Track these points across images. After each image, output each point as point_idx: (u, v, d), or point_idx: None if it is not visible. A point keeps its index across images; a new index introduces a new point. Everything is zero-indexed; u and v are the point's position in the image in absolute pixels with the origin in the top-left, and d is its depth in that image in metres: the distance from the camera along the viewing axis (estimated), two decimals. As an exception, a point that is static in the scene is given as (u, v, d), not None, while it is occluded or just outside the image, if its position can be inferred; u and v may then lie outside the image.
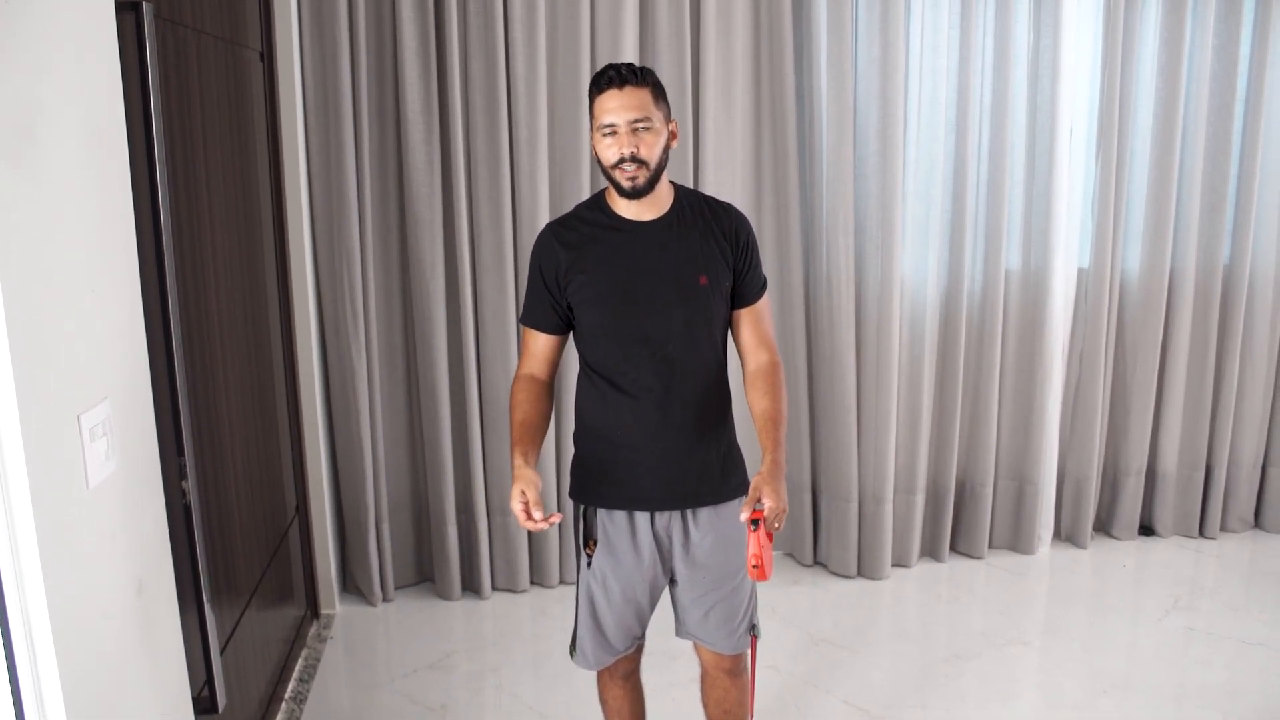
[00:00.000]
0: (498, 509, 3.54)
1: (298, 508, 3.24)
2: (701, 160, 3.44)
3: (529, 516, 1.86)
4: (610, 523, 2.12)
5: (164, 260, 1.83)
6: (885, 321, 3.57)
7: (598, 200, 2.09)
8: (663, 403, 2.04)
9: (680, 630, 2.24)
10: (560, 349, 2.14)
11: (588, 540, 2.15)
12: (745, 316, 2.11)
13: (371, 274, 3.34)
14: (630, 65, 1.97)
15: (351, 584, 3.60)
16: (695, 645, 2.26)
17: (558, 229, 2.09)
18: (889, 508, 3.69)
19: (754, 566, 1.92)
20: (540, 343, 2.11)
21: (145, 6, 1.76)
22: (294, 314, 3.21)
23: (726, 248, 2.05)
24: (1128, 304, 3.87)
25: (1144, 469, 3.98)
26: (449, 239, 3.37)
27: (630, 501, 2.10)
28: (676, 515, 2.11)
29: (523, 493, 1.87)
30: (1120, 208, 3.75)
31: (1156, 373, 3.89)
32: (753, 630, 2.20)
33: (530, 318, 2.11)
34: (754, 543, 1.92)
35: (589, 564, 2.15)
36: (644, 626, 2.24)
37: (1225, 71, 3.69)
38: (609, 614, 2.16)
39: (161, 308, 1.84)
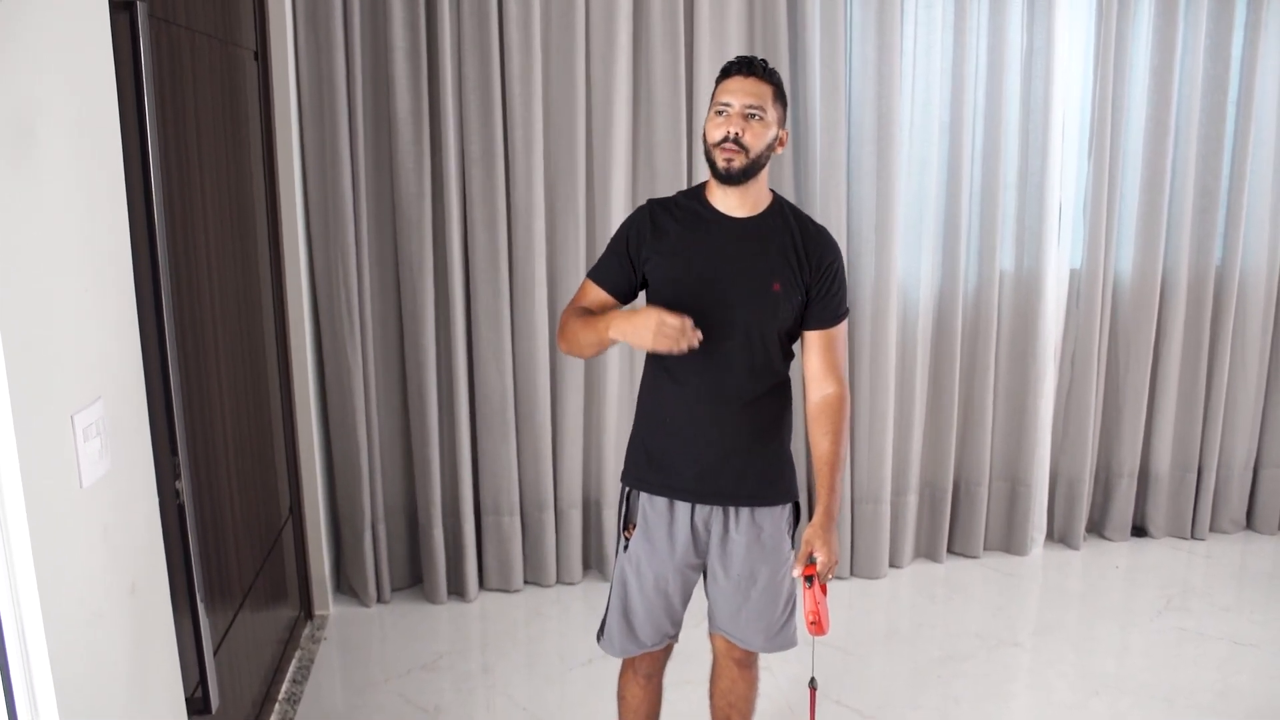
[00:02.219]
0: (490, 509, 3.54)
1: (292, 508, 3.23)
2: (695, 163, 3.44)
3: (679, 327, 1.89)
4: (651, 508, 2.15)
5: (158, 260, 1.83)
6: (881, 323, 3.58)
7: (698, 189, 2.13)
8: (710, 397, 2.07)
9: (711, 624, 2.25)
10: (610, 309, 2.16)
11: (628, 524, 2.18)
12: (815, 341, 2.10)
13: (367, 274, 3.33)
14: (764, 60, 2.03)
15: (345, 585, 3.59)
16: (712, 634, 2.27)
17: (655, 206, 2.14)
18: (886, 508, 3.69)
19: (811, 623, 1.93)
20: (597, 296, 2.14)
21: (139, 6, 1.76)
22: (288, 313, 3.21)
23: (806, 265, 2.05)
24: (1120, 305, 3.88)
25: (1136, 470, 4.00)
26: (441, 239, 3.37)
27: (668, 489, 2.13)
28: (718, 511, 2.13)
29: (662, 313, 1.90)
30: (1113, 209, 3.76)
31: (1149, 374, 3.91)
32: (811, 683, 2.17)
33: (599, 274, 2.15)
34: (810, 599, 1.94)
35: (626, 547, 2.18)
36: (676, 626, 2.24)
37: (1217, 73, 3.71)
38: (639, 602, 2.18)
39: (155, 307, 1.84)
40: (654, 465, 2.14)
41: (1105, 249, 3.76)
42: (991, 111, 3.59)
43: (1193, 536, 4.07)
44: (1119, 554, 3.95)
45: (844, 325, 2.13)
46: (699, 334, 1.91)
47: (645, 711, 2.37)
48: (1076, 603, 3.59)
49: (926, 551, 3.88)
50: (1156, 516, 4.04)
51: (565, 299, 3.44)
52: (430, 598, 3.54)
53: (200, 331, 2.29)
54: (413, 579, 3.66)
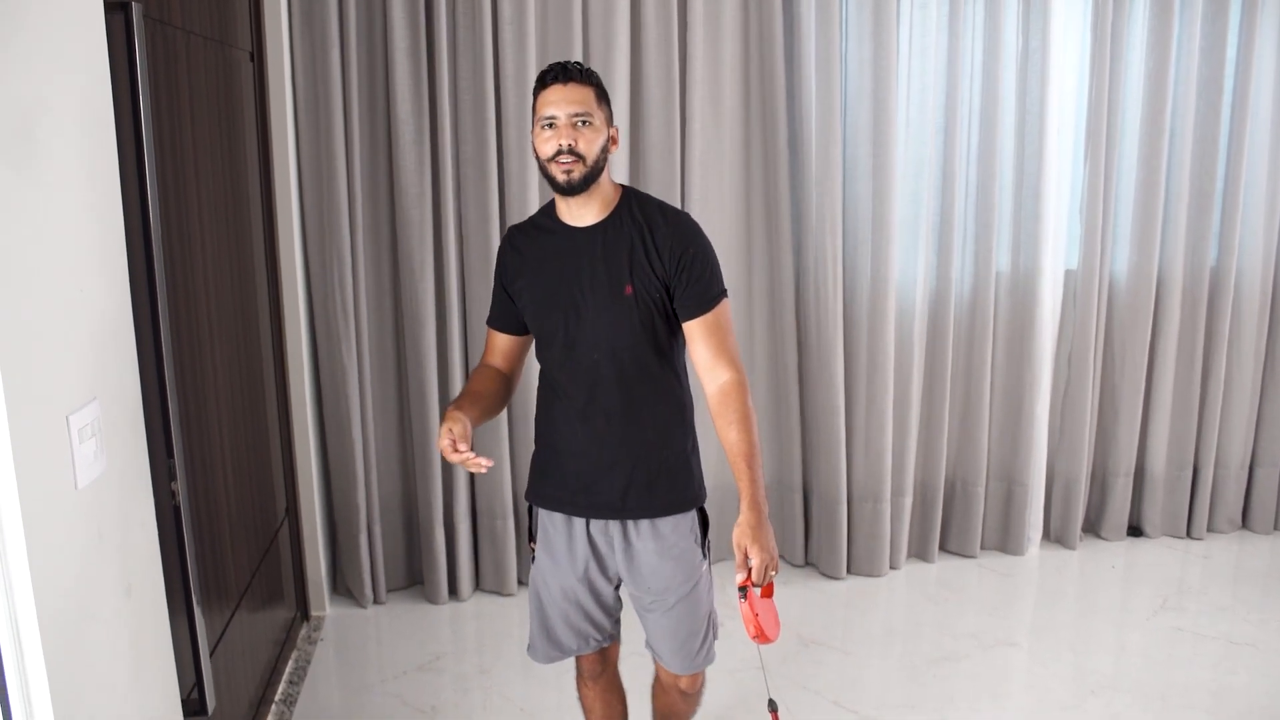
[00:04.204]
0: (485, 512, 3.54)
1: (288, 509, 3.23)
2: (689, 163, 3.44)
3: (455, 450, 1.89)
4: (550, 523, 2.14)
5: (153, 260, 1.83)
6: (878, 324, 3.58)
7: (550, 205, 2.09)
8: (586, 410, 2.04)
9: (646, 641, 2.23)
10: (520, 350, 2.17)
11: (531, 537, 2.20)
12: (695, 331, 2.00)
13: (362, 274, 3.34)
14: (577, 63, 1.98)
15: (341, 586, 3.59)
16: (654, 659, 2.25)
17: (514, 233, 2.13)
18: (886, 507, 3.70)
19: (753, 636, 1.84)
20: (500, 341, 2.15)
21: (134, 6, 1.76)
22: (284, 314, 3.21)
23: (659, 260, 1.98)
24: (1116, 305, 3.89)
25: (1132, 470, 4.00)
26: (438, 240, 3.37)
27: (559, 504, 2.12)
28: (614, 525, 2.09)
29: (449, 429, 1.90)
30: (1108, 209, 3.77)
31: (1145, 374, 3.91)
32: (770, 705, 2.12)
33: (492, 318, 2.16)
34: (745, 610, 1.85)
35: (533, 559, 2.20)
36: (601, 631, 2.22)
37: (1212, 75, 3.71)
38: (554, 611, 2.18)
39: (151, 308, 1.84)
40: (546, 480, 2.13)
41: (1101, 250, 3.77)
42: (987, 112, 3.59)
43: (1189, 536, 4.07)
44: (1115, 553, 3.95)
45: (723, 309, 2.00)
46: (467, 447, 1.89)
47: (600, 712, 2.36)
48: (1073, 602, 3.60)
49: (922, 551, 3.88)
50: (1152, 516, 4.05)
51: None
52: (431, 598, 3.54)
53: (196, 332, 2.29)
54: (409, 580, 3.66)
